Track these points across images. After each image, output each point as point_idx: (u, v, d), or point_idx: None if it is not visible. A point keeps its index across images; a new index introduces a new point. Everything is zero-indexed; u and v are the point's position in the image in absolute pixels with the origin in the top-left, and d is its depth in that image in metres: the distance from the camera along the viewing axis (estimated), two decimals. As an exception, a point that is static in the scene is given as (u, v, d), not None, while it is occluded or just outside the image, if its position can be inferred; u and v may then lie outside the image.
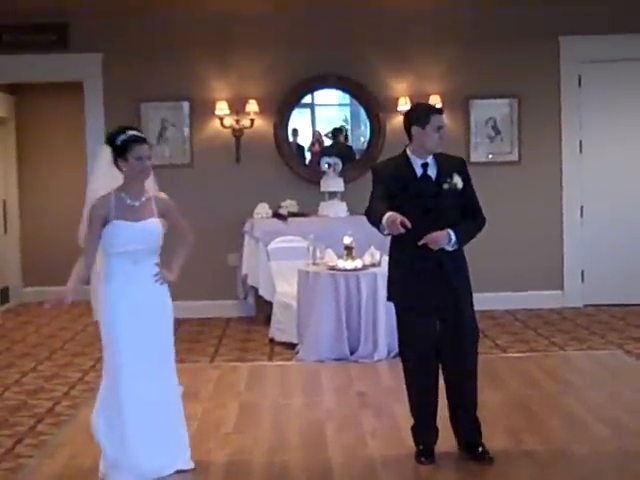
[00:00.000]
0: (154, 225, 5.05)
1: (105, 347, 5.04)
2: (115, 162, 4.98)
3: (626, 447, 5.43)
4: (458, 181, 5.19)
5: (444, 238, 5.10)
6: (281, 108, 10.35)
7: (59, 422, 6.26)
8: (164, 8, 10.09)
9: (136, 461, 4.92)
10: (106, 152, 5.01)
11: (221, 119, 10.19)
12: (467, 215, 5.26)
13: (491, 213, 10.36)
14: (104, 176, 5.01)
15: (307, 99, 10.77)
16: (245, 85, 10.27)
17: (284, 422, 6.17)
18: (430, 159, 5.22)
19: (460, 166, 5.30)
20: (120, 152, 4.95)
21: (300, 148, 10.76)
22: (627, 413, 6.16)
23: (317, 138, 10.82)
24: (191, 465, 5.15)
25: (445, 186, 5.17)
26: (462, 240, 5.21)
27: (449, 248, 5.16)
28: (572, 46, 10.30)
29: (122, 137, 4.97)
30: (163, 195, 5.19)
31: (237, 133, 10.21)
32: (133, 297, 4.98)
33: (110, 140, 5.00)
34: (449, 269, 5.21)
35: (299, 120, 10.72)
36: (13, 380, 7.53)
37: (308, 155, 10.75)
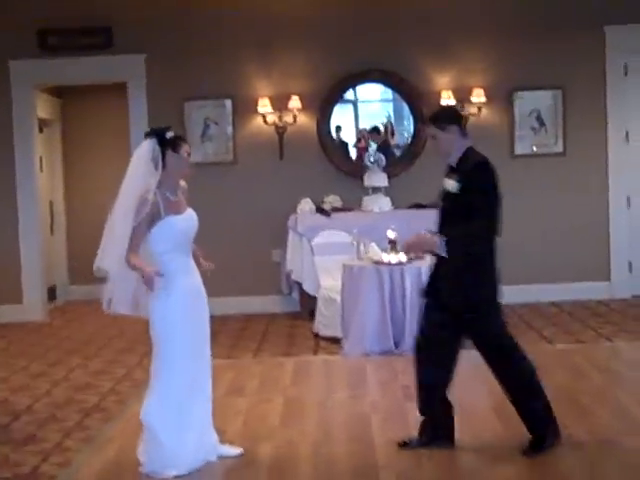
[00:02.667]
0: (193, 214, 5.13)
1: (164, 342, 5.00)
2: (163, 157, 4.95)
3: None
4: (451, 185, 5.09)
5: (424, 243, 5.06)
6: (324, 104, 10.33)
7: (106, 417, 6.31)
8: (206, 7, 10.15)
9: (189, 453, 5.00)
10: (148, 147, 4.98)
11: (264, 116, 10.20)
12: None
13: (536, 205, 10.42)
14: (143, 174, 4.96)
15: (350, 95, 10.74)
16: (287, 81, 10.27)
17: (329, 416, 6.15)
18: (455, 161, 5.17)
19: (470, 169, 5.09)
20: (173, 146, 4.96)
21: (344, 144, 10.72)
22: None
23: (363, 135, 10.76)
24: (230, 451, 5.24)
25: (444, 188, 5.16)
26: (450, 244, 5.00)
27: (442, 253, 5.03)
28: (617, 35, 10.16)
29: (171, 133, 5.00)
30: (183, 183, 5.20)
31: (280, 130, 10.21)
32: (192, 288, 5.06)
33: (159, 134, 4.99)
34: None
35: (342, 116, 10.67)
36: (61, 376, 7.60)
37: (353, 151, 10.69)
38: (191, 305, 5.01)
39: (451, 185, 5.08)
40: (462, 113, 5.34)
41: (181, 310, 4.97)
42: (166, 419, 4.96)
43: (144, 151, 4.98)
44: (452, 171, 5.16)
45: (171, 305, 4.95)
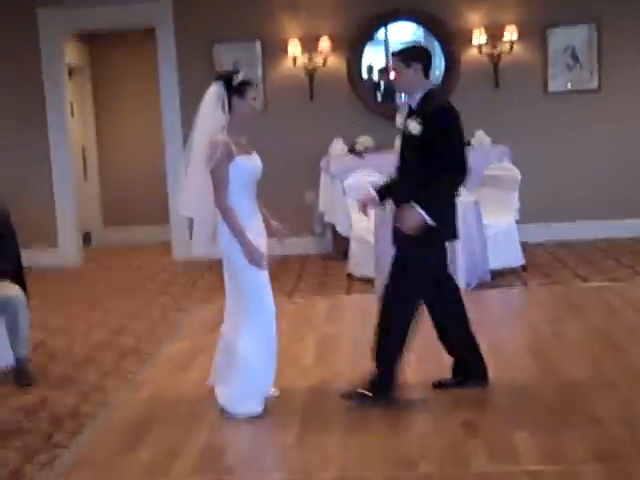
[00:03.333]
0: (258, 158, 5.21)
1: (250, 282, 5.03)
2: (229, 101, 4.94)
3: None
4: (412, 127, 5.00)
5: (411, 217, 4.95)
6: (354, 44, 10.22)
7: (142, 359, 6.37)
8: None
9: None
10: (215, 92, 4.97)
11: (294, 58, 10.12)
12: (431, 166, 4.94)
13: (571, 143, 10.29)
14: (211, 116, 4.97)
15: (380, 35, 10.58)
16: (317, 22, 10.16)
17: (363, 355, 6.14)
18: (415, 102, 5.09)
19: (432, 111, 4.98)
20: (239, 92, 4.96)
21: (375, 85, 10.60)
22: None
23: (390, 65, 10.61)
24: None
25: (405, 130, 5.11)
26: (430, 209, 4.93)
27: (431, 222, 4.94)
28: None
29: (239, 77, 5.00)
30: None
31: (310, 71, 10.13)
32: (260, 230, 5.13)
33: (226, 80, 4.98)
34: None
35: (373, 56, 10.55)
36: (97, 319, 7.68)
37: (381, 88, 10.56)
38: (262, 245, 5.06)
39: (413, 127, 4.99)
40: (429, 54, 5.20)
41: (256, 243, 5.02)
42: (264, 357, 5.04)
43: (211, 96, 4.98)
44: (413, 113, 5.07)
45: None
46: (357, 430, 4.75)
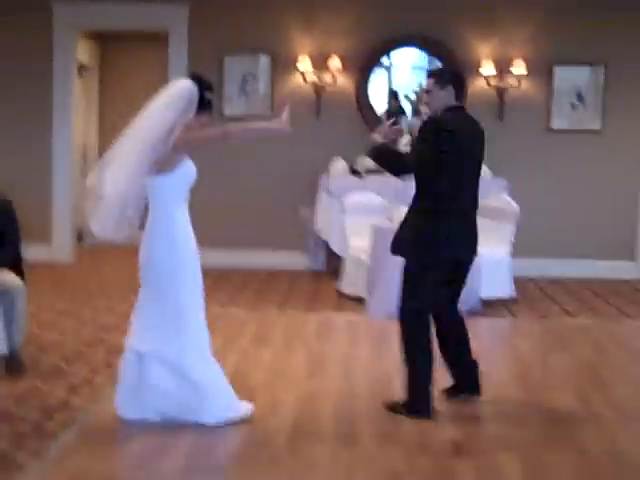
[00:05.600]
0: None
1: (184, 282, 4.99)
2: (198, 110, 4.96)
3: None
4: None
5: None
6: (364, 66, 10.39)
7: (133, 357, 6.44)
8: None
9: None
10: (189, 89, 4.93)
11: (303, 74, 10.26)
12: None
13: (569, 181, 10.47)
14: (174, 109, 4.90)
15: (384, 60, 10.71)
16: (328, 41, 10.32)
17: (352, 372, 6.27)
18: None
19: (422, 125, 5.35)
20: (204, 105, 4.99)
21: (370, 106, 10.65)
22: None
23: (394, 99, 10.78)
24: None
25: None
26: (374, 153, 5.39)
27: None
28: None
29: (210, 95, 5.05)
30: None
31: (318, 89, 10.28)
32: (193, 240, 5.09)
33: (202, 86, 4.98)
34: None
35: (374, 80, 10.65)
36: (88, 316, 7.76)
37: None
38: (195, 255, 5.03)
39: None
40: (463, 77, 5.47)
41: (190, 261, 5.01)
42: (208, 364, 5.03)
43: (183, 90, 4.95)
44: None
45: (180, 249, 4.97)
46: (346, 442, 4.84)
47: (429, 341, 5.31)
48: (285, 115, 5.04)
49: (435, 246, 5.23)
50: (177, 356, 4.92)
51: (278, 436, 4.88)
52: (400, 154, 5.58)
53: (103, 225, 4.98)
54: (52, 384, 5.73)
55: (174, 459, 4.54)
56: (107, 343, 6.83)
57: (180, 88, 4.97)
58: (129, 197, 4.88)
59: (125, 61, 12.15)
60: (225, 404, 5.01)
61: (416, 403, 5.26)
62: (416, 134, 5.44)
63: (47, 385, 5.71)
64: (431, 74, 5.50)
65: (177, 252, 4.94)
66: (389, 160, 5.46)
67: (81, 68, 11.32)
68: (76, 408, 5.30)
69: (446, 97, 5.28)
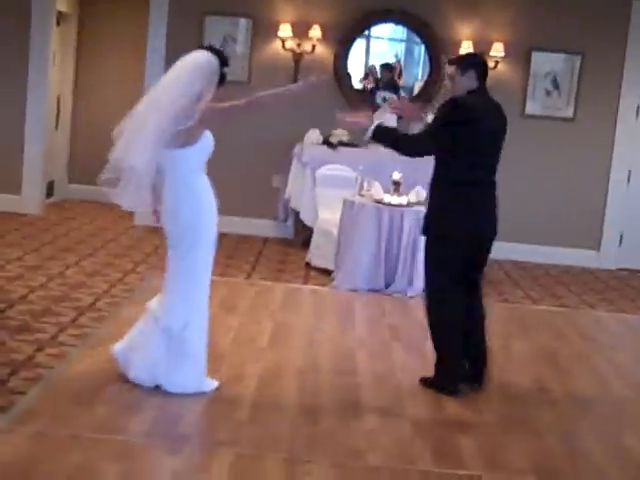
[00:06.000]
0: None
1: (198, 249, 5.04)
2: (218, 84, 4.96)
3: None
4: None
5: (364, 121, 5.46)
6: (344, 37, 10.40)
7: (100, 317, 6.50)
8: None
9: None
10: (210, 63, 4.90)
11: (283, 41, 10.27)
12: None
13: (539, 166, 10.59)
14: (195, 82, 4.86)
15: (369, 29, 10.76)
16: (310, 10, 10.32)
17: (316, 345, 6.37)
18: None
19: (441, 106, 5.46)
20: (220, 81, 5.00)
21: (349, 76, 10.72)
22: (652, 377, 6.35)
23: (371, 71, 10.84)
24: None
25: None
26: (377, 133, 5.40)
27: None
28: (643, 7, 10.27)
29: (226, 71, 5.03)
30: None
31: (297, 57, 10.29)
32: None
33: (222, 61, 4.98)
34: None
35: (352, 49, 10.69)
36: (56, 272, 7.77)
37: (359, 86, 10.77)
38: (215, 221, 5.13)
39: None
40: (485, 61, 5.54)
41: (213, 223, 5.09)
42: (202, 331, 5.10)
43: (204, 64, 4.91)
44: None
45: (203, 214, 5.05)
46: (308, 416, 4.94)
47: (456, 322, 5.42)
48: (309, 82, 5.21)
49: (454, 222, 5.34)
50: (181, 327, 4.99)
51: (240, 406, 4.97)
52: (406, 135, 5.59)
53: (132, 197, 4.97)
54: (19, 340, 5.76)
55: (137, 424, 4.61)
56: (75, 301, 6.87)
57: (202, 60, 4.92)
58: (153, 168, 4.91)
59: (105, 12, 11.98)
60: (197, 379, 5.10)
61: (441, 380, 5.44)
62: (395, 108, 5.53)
63: (14, 341, 5.73)
64: (451, 61, 5.57)
65: (201, 214, 5.01)
66: (396, 141, 5.46)
67: (60, 17, 11.20)
68: (42, 365, 5.33)
69: (468, 81, 5.39)
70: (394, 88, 10.67)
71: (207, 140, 5.04)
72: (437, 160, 5.44)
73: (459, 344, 5.45)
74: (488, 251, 5.60)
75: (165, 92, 4.89)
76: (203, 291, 5.10)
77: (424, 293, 5.66)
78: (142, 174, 4.87)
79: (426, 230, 5.52)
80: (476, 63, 5.49)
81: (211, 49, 5.07)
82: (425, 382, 5.55)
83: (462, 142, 5.25)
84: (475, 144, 5.30)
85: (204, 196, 5.04)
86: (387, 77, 10.74)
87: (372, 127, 5.37)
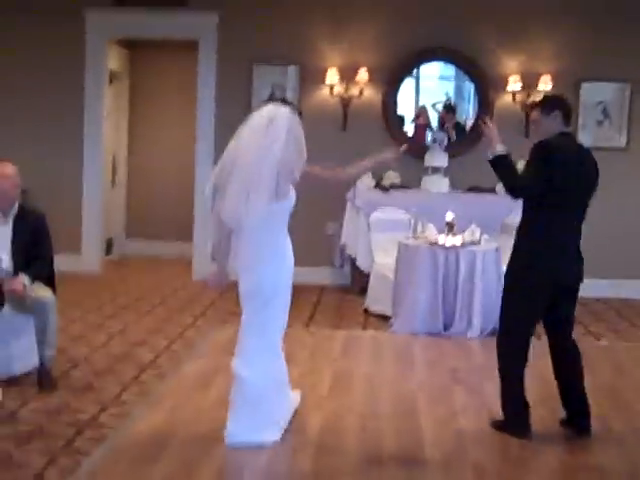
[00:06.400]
0: None
1: (274, 304, 5.17)
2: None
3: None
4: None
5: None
6: (391, 79, 10.50)
7: (161, 373, 6.61)
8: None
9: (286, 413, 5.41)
10: (294, 119, 4.99)
11: (331, 87, 10.39)
12: None
13: (595, 198, 10.51)
14: (286, 141, 4.93)
15: (416, 69, 10.85)
16: (356, 53, 10.44)
17: (377, 391, 6.39)
18: None
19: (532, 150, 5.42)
20: None
21: (400, 118, 10.87)
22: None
23: (421, 112, 10.91)
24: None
25: None
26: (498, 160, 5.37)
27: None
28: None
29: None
30: None
31: (345, 102, 10.41)
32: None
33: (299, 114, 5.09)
34: None
35: (401, 90, 10.76)
36: (117, 330, 7.93)
37: (411, 127, 10.85)
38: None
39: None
40: (567, 102, 5.51)
41: (290, 280, 5.23)
42: (274, 378, 5.21)
43: (294, 122, 4.99)
44: None
45: (285, 271, 5.20)
46: (371, 462, 4.98)
47: (518, 365, 5.48)
48: (398, 151, 5.53)
49: (530, 271, 5.36)
50: (254, 379, 5.10)
51: (303, 455, 5.02)
52: (515, 173, 5.45)
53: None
54: (83, 399, 5.89)
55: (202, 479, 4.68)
56: (136, 358, 7.00)
57: (289, 119, 4.96)
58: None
59: (155, 68, 12.28)
60: (255, 428, 5.13)
61: (511, 423, 5.46)
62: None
63: (78, 400, 5.86)
64: (535, 104, 5.61)
65: (282, 273, 5.18)
66: (512, 176, 5.40)
67: (112, 75, 11.48)
68: (106, 425, 5.44)
69: (553, 123, 5.38)
70: (443, 127, 10.73)
71: (293, 196, 5.12)
72: (524, 202, 5.43)
73: (519, 387, 5.50)
74: (572, 298, 5.60)
75: (264, 145, 4.89)
76: (277, 344, 5.23)
77: (502, 337, 5.60)
78: (255, 226, 4.98)
79: (505, 274, 5.57)
80: (560, 104, 5.46)
81: (285, 102, 5.16)
82: (497, 425, 5.56)
83: (554, 186, 5.22)
84: (562, 188, 5.24)
85: (287, 255, 5.20)
86: (448, 117, 10.78)
87: (497, 152, 5.32)
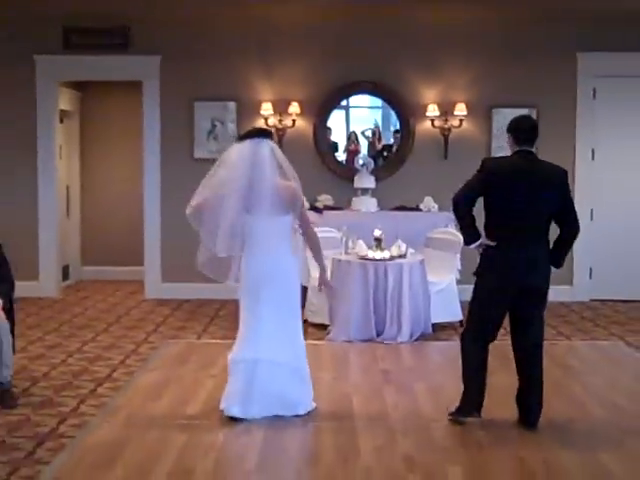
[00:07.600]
0: None
1: (297, 298, 5.93)
2: None
3: (622, 426, 5.70)
4: None
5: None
6: (321, 110, 10.60)
7: (117, 387, 6.58)
8: (217, 15, 10.38)
9: None
10: (275, 148, 5.74)
11: (266, 118, 10.46)
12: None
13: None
14: (276, 168, 5.79)
15: (343, 101, 11.00)
16: (288, 88, 10.54)
17: (316, 393, 6.39)
18: None
19: None
20: None
21: (333, 145, 10.97)
22: (625, 398, 6.40)
23: (353, 139, 11.04)
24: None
25: None
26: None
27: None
28: (588, 61, 10.50)
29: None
30: None
31: (280, 132, 10.48)
32: None
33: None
34: None
35: (334, 119, 10.89)
36: (75, 348, 7.86)
37: (344, 154, 10.96)
38: None
39: None
40: (518, 125, 5.64)
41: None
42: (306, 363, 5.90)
43: (273, 150, 5.74)
44: None
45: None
46: (309, 462, 5.01)
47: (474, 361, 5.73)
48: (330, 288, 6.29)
49: (489, 273, 5.59)
50: (294, 359, 5.74)
51: (247, 458, 5.03)
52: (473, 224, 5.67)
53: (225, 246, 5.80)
54: (43, 414, 5.84)
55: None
56: (93, 374, 6.95)
57: (273, 149, 5.74)
58: None
59: (104, 107, 12.24)
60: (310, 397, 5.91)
61: (461, 402, 5.66)
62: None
63: (38, 416, 5.81)
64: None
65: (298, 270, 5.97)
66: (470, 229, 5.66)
67: (63, 114, 11.43)
68: (65, 435, 5.41)
69: (510, 143, 5.61)
70: (374, 153, 10.87)
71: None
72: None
73: (474, 380, 5.76)
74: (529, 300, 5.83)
75: (262, 183, 5.72)
76: (301, 331, 5.91)
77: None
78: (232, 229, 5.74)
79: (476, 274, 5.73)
80: (510, 127, 5.65)
81: (269, 135, 5.86)
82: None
83: (489, 199, 5.51)
84: (501, 201, 5.48)
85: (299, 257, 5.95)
86: (376, 143, 10.94)
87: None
